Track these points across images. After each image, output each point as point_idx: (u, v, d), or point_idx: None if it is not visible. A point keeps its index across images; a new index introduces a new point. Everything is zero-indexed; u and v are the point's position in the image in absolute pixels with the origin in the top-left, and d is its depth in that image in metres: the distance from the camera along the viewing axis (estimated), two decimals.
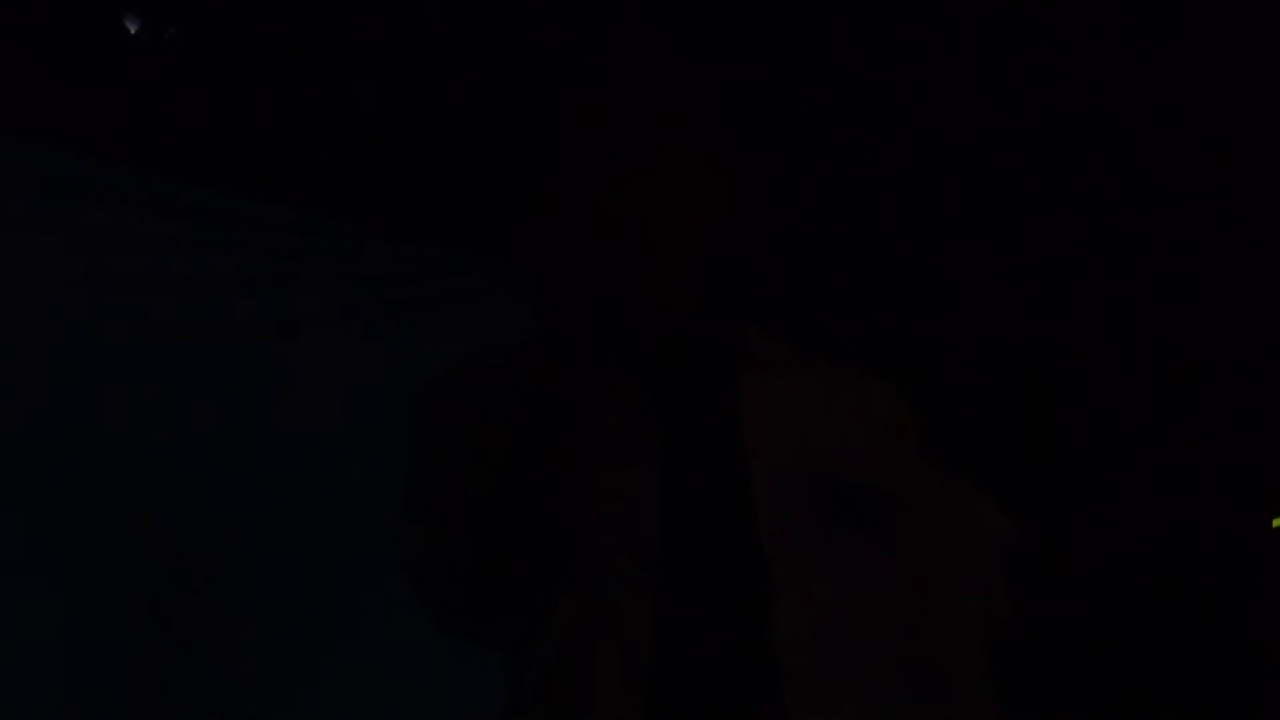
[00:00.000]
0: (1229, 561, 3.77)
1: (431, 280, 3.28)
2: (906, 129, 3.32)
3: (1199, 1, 3.10)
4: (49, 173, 2.84)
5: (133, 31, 2.79)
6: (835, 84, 3.13)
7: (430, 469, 1.55)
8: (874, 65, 3.16)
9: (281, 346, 3.05)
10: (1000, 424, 3.78)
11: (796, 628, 1.50)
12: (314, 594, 2.93)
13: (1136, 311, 3.73)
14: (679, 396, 1.57)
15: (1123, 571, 3.83)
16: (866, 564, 1.56)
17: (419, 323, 3.17)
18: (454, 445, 1.54)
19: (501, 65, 3.06)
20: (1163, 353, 3.75)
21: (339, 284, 3.17)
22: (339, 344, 3.10)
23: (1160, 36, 3.21)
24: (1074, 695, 3.79)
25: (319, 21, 2.97)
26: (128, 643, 2.76)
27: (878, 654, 1.55)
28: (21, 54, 2.78)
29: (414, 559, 1.55)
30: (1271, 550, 3.76)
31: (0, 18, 2.74)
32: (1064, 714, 3.73)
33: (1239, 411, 3.71)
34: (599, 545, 1.50)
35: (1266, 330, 3.67)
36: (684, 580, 1.50)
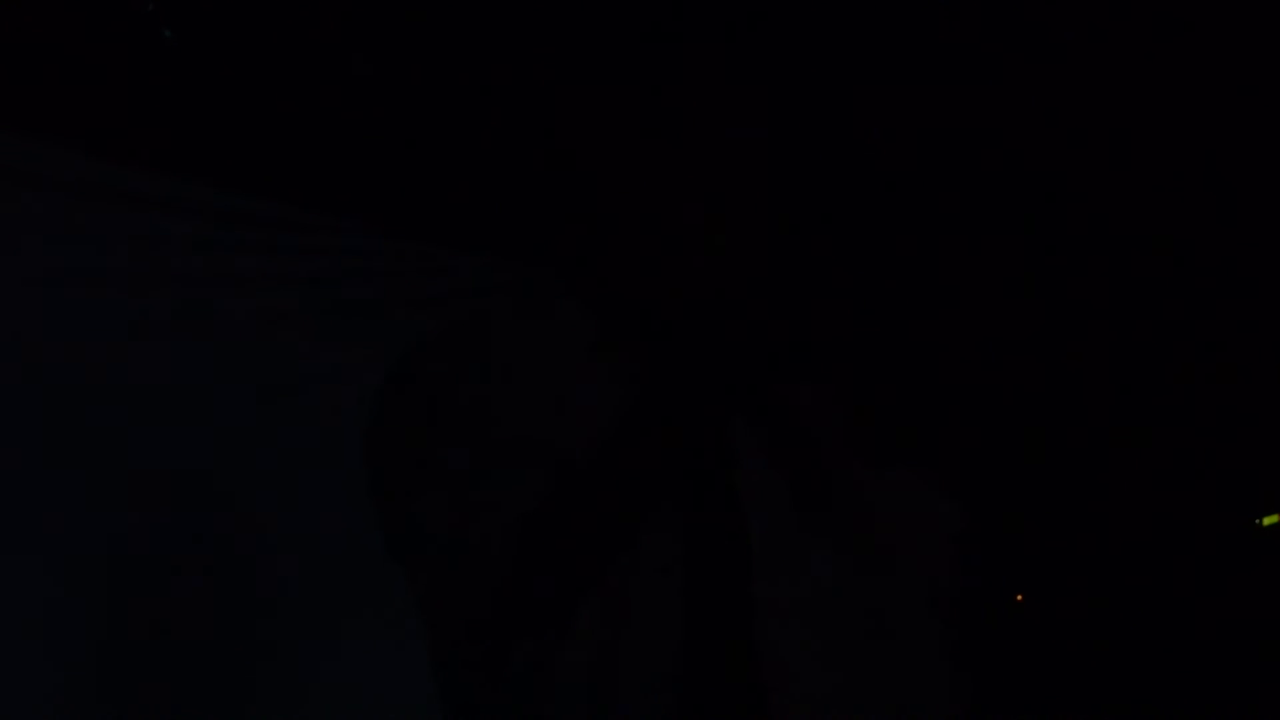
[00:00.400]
0: (1216, 559, 3.78)
1: (435, 278, 3.28)
2: (906, 129, 3.33)
3: (1200, 2, 3.10)
4: (47, 170, 2.83)
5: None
6: (834, 83, 3.13)
7: (434, 483, 1.49)
8: (874, 64, 3.16)
9: (282, 345, 3.05)
10: (992, 422, 3.79)
11: (780, 631, 1.51)
12: (315, 594, 2.93)
13: (1129, 312, 3.74)
14: (702, 401, 1.53)
15: (1112, 568, 3.84)
16: (829, 562, 1.57)
17: (422, 321, 3.17)
18: (460, 455, 1.49)
19: (502, 61, 3.06)
20: (1154, 354, 3.76)
21: (341, 282, 3.17)
22: (341, 343, 3.10)
23: (1159, 36, 3.21)
24: (1065, 693, 3.80)
25: (319, 17, 2.97)
26: (127, 643, 2.76)
27: (849, 653, 1.55)
28: (19, 50, 2.78)
29: (428, 584, 1.48)
30: (1258, 548, 3.77)
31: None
32: (1055, 712, 3.75)
33: (1229, 413, 3.73)
34: (625, 558, 1.46)
35: (1257, 332, 3.68)
36: (697, 587, 1.49)
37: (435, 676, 1.58)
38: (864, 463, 1.63)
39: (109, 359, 2.82)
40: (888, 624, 1.58)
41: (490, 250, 3.30)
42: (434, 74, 3.11)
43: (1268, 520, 3.78)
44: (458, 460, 1.49)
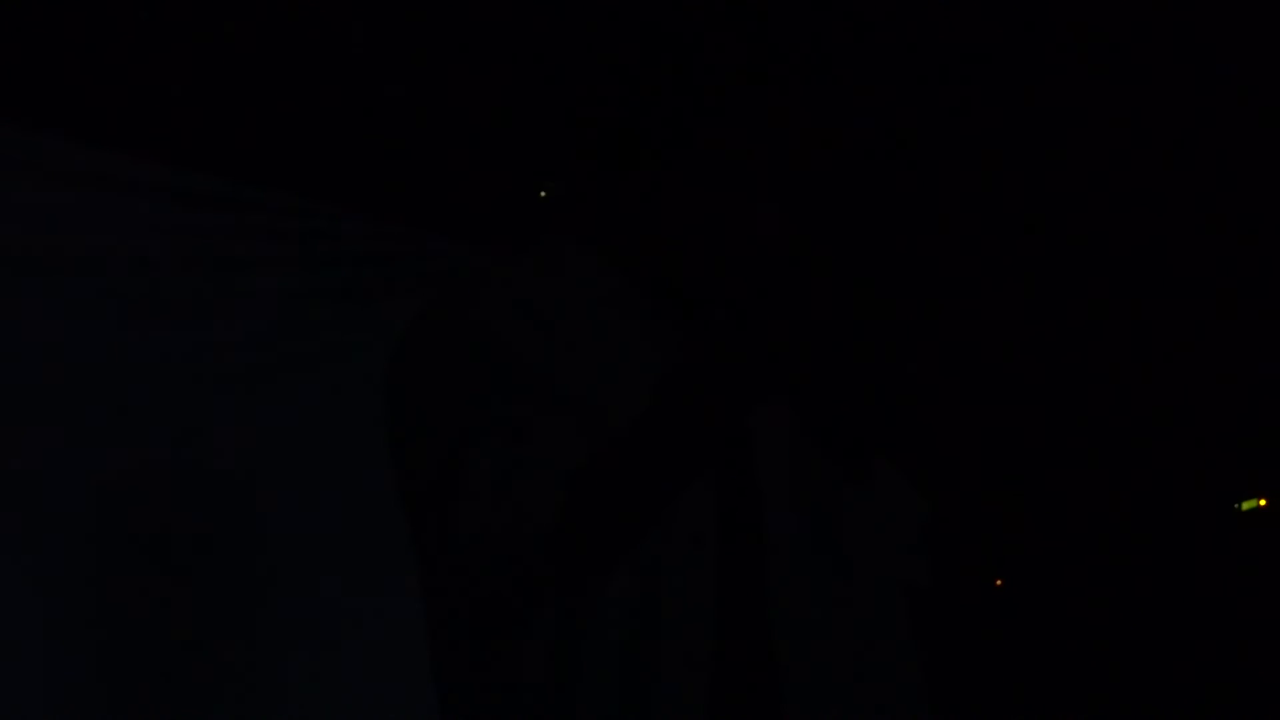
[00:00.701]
0: (1195, 544, 3.80)
1: (436, 263, 3.27)
2: (907, 129, 3.33)
3: (1200, 3, 3.11)
4: (41, 159, 2.82)
5: None
6: (831, 83, 3.13)
7: (479, 434, 1.44)
8: (874, 63, 3.17)
9: (283, 334, 3.05)
10: (988, 415, 3.80)
11: (789, 622, 1.52)
12: (317, 593, 2.93)
13: (1114, 301, 3.75)
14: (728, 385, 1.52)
15: (1092, 554, 3.86)
16: (814, 556, 1.58)
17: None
18: (509, 406, 1.46)
19: (504, 57, 3.07)
20: (1136, 341, 3.77)
21: (341, 267, 3.16)
22: (341, 333, 3.10)
23: (1159, 36, 3.22)
24: (1048, 677, 3.82)
25: (321, 15, 2.97)
26: (127, 643, 2.76)
27: (848, 646, 1.56)
28: (22, 44, 2.77)
29: (464, 539, 1.43)
30: (1236, 532, 3.79)
31: None
32: (1041, 695, 3.77)
33: (1209, 398, 3.75)
34: (656, 528, 1.45)
35: (1241, 320, 3.69)
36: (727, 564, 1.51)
37: (438, 674, 1.57)
38: (861, 460, 1.64)
39: (109, 355, 2.81)
40: (883, 614, 1.60)
41: (491, 239, 3.30)
42: (436, 67, 3.11)
43: (1246, 505, 3.80)
44: (508, 411, 1.46)
